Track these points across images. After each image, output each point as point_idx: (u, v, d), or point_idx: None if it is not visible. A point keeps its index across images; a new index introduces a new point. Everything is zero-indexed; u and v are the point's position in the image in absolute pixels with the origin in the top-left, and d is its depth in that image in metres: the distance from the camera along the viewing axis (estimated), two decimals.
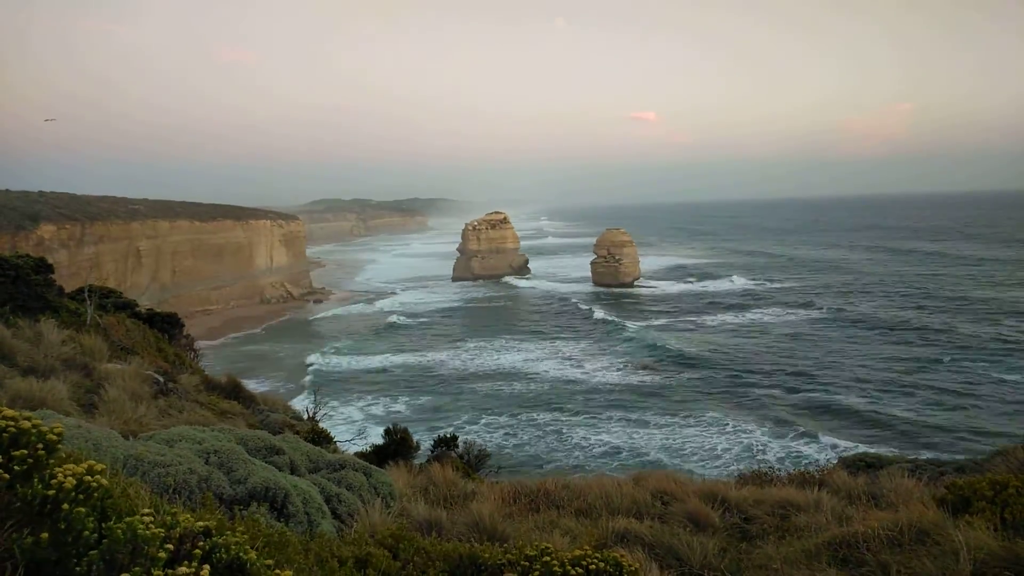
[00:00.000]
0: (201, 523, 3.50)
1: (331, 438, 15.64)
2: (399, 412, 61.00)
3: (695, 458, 47.85)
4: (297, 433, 12.02)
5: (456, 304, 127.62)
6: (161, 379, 13.97)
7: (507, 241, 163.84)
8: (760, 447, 48.80)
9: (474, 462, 16.37)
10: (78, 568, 2.96)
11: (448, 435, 17.65)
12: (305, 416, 18.98)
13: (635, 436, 53.20)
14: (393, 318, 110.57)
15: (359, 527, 6.71)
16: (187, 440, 7.10)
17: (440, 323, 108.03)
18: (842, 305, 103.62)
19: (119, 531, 3.04)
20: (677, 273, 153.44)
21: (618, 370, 73.92)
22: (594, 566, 4.93)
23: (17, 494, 3.01)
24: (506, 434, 55.16)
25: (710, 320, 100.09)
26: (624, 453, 49.17)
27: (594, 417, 58.36)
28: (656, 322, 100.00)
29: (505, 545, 5.79)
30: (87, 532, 3.05)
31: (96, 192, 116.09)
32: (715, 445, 50.46)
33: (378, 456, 14.97)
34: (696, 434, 53.24)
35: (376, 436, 17.14)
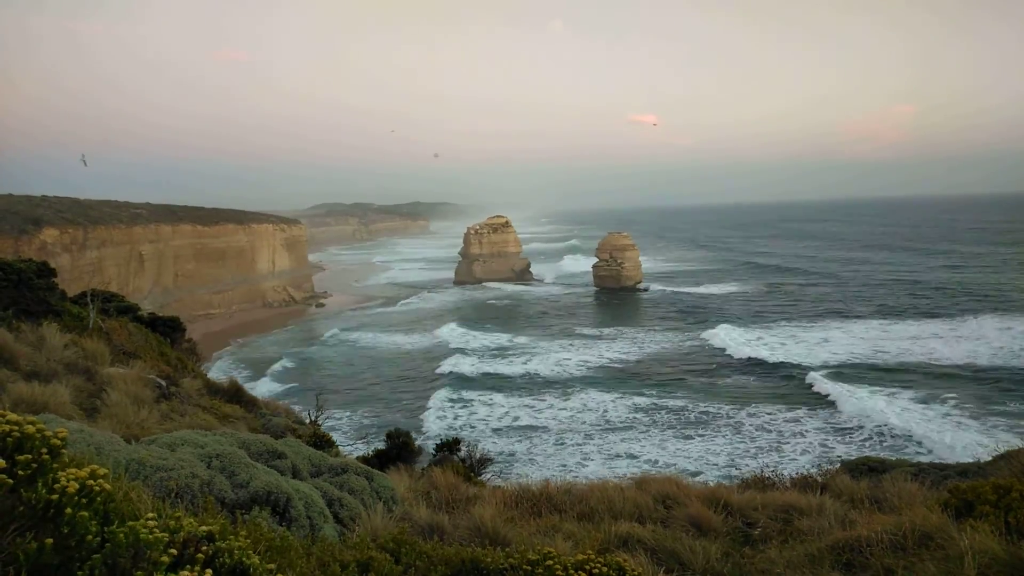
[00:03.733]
0: (204, 527, 3.50)
1: (333, 442, 15.65)
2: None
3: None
4: (299, 437, 12.02)
5: (459, 304, 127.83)
6: (163, 383, 13.98)
7: (509, 245, 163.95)
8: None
9: (476, 466, 16.37)
10: (81, 572, 2.96)
11: (450, 439, 17.66)
12: (307, 420, 18.98)
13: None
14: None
15: (361, 531, 6.71)
16: (189, 444, 7.11)
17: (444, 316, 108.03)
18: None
19: (122, 535, 3.04)
20: (679, 276, 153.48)
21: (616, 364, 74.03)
22: (597, 570, 4.92)
23: (21, 498, 3.01)
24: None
25: (711, 321, 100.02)
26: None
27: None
28: (658, 324, 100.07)
29: (507, 549, 5.78)
30: (90, 536, 3.05)
31: (99, 195, 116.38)
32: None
33: (380, 460, 14.98)
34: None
35: (379, 440, 17.17)
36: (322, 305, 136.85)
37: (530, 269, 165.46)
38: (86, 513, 3.04)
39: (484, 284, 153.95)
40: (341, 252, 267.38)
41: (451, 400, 66.56)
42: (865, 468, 12.98)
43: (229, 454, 6.97)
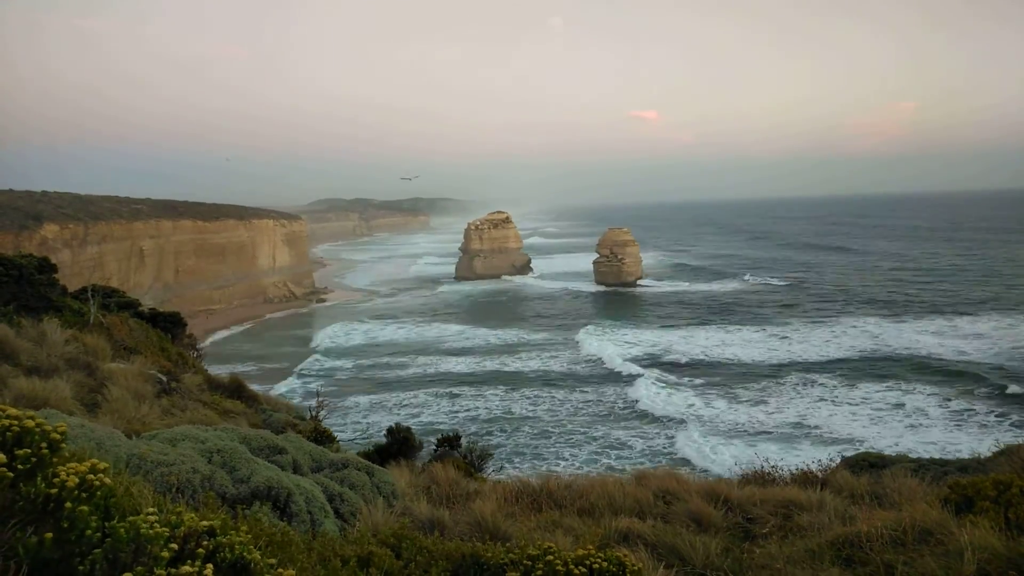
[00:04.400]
0: (205, 522, 3.50)
1: (333, 437, 15.67)
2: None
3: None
4: (300, 432, 12.03)
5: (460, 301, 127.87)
6: (164, 378, 14.00)
7: (509, 240, 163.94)
8: None
9: (476, 461, 16.38)
10: (81, 567, 2.96)
11: (451, 434, 17.67)
12: (308, 415, 19.00)
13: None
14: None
15: (362, 526, 6.71)
16: (190, 439, 7.11)
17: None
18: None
19: (122, 530, 3.04)
20: (679, 272, 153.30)
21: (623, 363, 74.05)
22: (597, 565, 4.92)
23: (20, 493, 3.01)
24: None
25: (710, 321, 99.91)
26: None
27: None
28: (658, 321, 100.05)
29: (508, 544, 5.78)
30: (90, 531, 3.05)
31: (100, 189, 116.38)
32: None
33: (381, 455, 14.97)
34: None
35: (379, 435, 17.25)
36: (323, 300, 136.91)
37: (530, 265, 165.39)
38: (86, 507, 3.04)
39: (483, 279, 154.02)
40: (341, 248, 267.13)
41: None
42: (865, 464, 13.00)
43: (230, 449, 6.98)
